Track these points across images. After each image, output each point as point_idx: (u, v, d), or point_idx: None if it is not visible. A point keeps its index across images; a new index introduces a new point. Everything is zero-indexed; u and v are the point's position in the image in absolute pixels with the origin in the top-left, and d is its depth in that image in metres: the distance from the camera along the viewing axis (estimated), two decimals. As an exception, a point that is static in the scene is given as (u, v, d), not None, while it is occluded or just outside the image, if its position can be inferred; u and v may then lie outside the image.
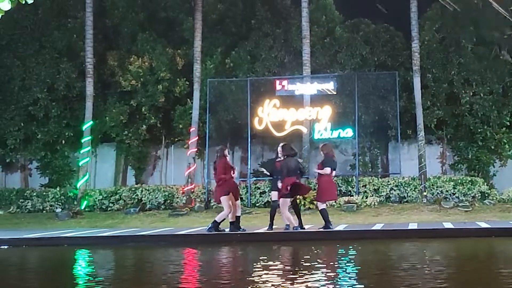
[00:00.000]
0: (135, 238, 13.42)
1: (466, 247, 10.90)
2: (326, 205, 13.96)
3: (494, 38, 20.09)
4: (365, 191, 18.66)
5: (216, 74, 21.04)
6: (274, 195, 13.56)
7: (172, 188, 19.84)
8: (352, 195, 18.40)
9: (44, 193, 20.33)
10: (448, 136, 20.91)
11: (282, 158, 13.31)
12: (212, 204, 18.53)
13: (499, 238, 11.81)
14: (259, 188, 18.93)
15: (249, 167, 19.35)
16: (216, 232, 13.05)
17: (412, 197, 18.52)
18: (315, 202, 17.23)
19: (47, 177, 22.16)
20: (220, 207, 17.50)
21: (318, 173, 13.61)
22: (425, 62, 20.23)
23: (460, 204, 17.20)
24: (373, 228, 13.59)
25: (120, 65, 21.45)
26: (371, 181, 19.01)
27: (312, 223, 14.49)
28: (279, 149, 13.55)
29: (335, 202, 16.65)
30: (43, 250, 12.49)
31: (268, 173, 14.54)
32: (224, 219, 13.21)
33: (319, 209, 13.52)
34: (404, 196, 18.63)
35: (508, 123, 20.25)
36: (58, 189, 20.52)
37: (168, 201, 19.38)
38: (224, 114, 20.92)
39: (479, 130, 20.13)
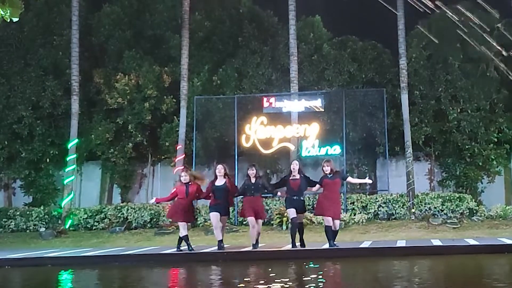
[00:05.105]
0: (120, 258, 13.17)
1: (455, 264, 10.75)
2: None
3: (481, 55, 20.17)
4: (353, 208, 18.55)
5: (203, 92, 20.96)
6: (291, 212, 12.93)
7: (158, 206, 19.57)
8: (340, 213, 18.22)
9: (28, 212, 20.04)
10: (436, 152, 20.91)
11: (297, 177, 12.80)
12: (199, 222, 18.34)
13: (487, 255, 11.67)
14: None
15: (236, 185, 19.07)
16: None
17: (400, 214, 18.43)
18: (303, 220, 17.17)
19: (31, 196, 21.90)
20: (206, 225, 17.42)
21: None
22: (412, 79, 20.26)
23: (448, 221, 17.11)
24: (361, 245, 13.43)
25: (106, 82, 21.31)
26: (359, 198, 18.91)
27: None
28: (295, 166, 12.86)
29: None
30: (26, 271, 12.19)
31: None
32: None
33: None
34: (392, 213, 18.55)
35: (495, 140, 20.28)
36: (42, 208, 20.26)
37: (154, 219, 19.17)
38: (211, 132, 20.81)
39: (466, 147, 20.14)
